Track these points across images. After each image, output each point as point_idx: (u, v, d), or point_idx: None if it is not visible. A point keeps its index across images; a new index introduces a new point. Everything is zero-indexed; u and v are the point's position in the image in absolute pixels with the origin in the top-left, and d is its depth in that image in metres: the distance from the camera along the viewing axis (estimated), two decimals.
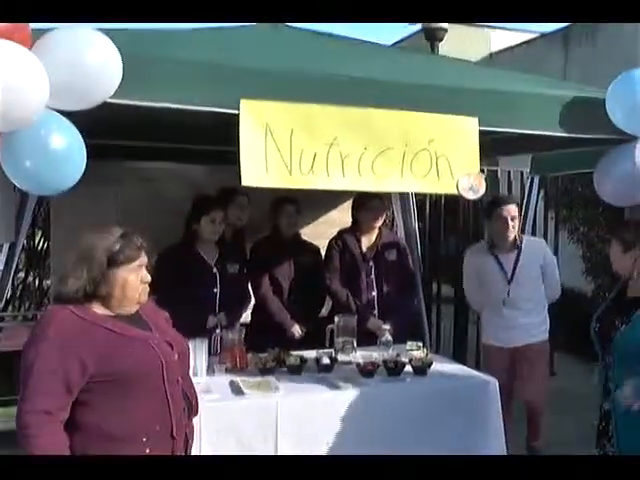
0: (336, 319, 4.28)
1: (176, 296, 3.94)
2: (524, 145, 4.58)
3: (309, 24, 4.13)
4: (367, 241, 4.87)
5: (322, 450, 3.45)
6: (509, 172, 7.36)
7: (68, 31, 2.67)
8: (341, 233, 4.93)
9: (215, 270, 4.40)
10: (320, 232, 5.33)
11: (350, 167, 3.25)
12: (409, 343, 4.24)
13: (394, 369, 3.84)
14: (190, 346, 2.81)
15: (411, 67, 3.91)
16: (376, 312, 4.73)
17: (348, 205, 5.10)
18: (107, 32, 2.71)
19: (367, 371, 3.81)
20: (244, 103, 3.01)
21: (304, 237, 5.09)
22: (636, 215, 3.90)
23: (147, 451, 2.42)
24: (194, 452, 2.76)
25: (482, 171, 3.71)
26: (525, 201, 5.72)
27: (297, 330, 4.72)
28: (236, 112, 3.00)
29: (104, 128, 3.48)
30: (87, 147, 2.76)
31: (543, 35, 12.36)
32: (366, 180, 3.31)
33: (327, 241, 4.94)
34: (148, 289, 2.56)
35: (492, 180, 6.90)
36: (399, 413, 3.61)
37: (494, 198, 4.90)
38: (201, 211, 4.32)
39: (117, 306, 2.48)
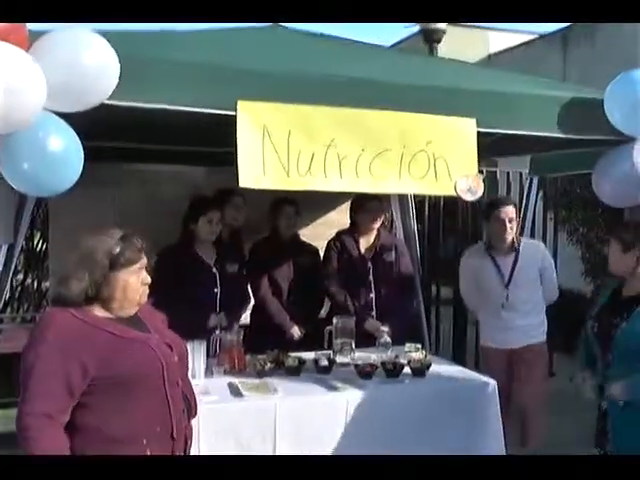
0: (334, 320, 4.28)
1: (176, 297, 3.96)
2: (523, 146, 4.57)
3: (308, 24, 4.14)
4: (365, 242, 4.87)
5: (321, 451, 3.44)
6: (508, 173, 7.36)
7: (65, 33, 2.67)
8: (339, 234, 4.93)
9: (214, 270, 4.41)
10: (319, 233, 5.33)
11: (348, 168, 3.25)
12: (408, 345, 4.23)
13: (393, 371, 3.83)
14: (188, 348, 2.81)
15: (409, 68, 3.91)
16: (374, 313, 4.73)
17: (347, 206, 5.10)
18: (104, 34, 2.71)
19: (365, 373, 3.80)
20: (241, 104, 3.01)
21: (303, 238, 5.09)
22: (636, 216, 3.91)
23: (147, 452, 2.41)
24: (192, 454, 2.75)
25: (481, 172, 3.71)
26: (524, 202, 5.70)
27: (296, 331, 4.72)
28: (233, 113, 3.00)
29: (101, 130, 3.48)
30: (84, 149, 2.76)
31: (542, 36, 12.36)
32: (364, 181, 3.31)
33: (326, 242, 4.94)
34: (148, 291, 2.56)
35: (491, 181, 6.90)
36: (398, 415, 3.61)
37: (492, 200, 4.89)
38: (199, 212, 4.33)
39: (117, 308, 2.48)
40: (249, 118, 3.03)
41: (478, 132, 3.46)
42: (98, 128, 3.22)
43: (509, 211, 4.53)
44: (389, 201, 5.65)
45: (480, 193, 3.56)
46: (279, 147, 3.10)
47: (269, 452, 3.36)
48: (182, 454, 2.58)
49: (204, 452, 3.18)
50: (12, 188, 2.79)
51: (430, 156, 3.39)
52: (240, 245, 4.96)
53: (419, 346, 4.29)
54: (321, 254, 4.98)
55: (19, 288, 7.67)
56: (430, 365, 3.92)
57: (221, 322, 4.33)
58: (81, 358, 2.31)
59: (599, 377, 3.29)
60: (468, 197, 3.53)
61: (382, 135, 3.31)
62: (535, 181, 5.74)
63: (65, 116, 2.70)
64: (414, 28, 9.83)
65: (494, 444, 3.74)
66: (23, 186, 2.77)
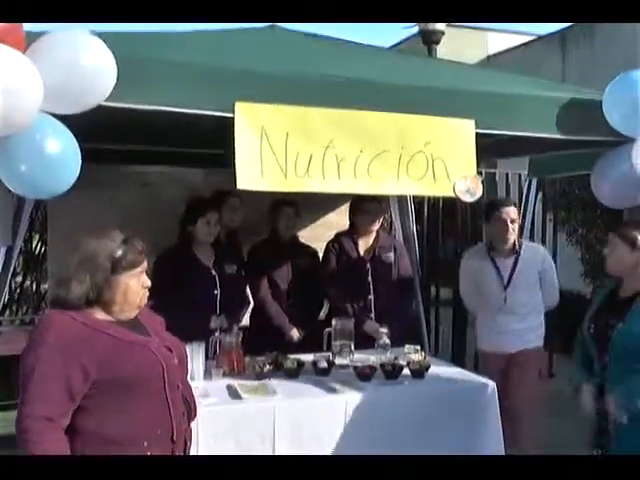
0: (334, 322, 4.27)
1: (175, 299, 3.95)
2: (522, 147, 4.56)
3: (307, 25, 4.13)
4: (364, 244, 4.86)
5: (320, 453, 3.42)
6: (507, 174, 7.36)
7: (62, 34, 2.67)
8: (338, 236, 4.92)
9: (214, 272, 4.40)
10: (318, 235, 5.32)
11: (346, 170, 3.24)
12: (407, 346, 4.22)
13: (392, 372, 3.82)
14: (187, 350, 2.81)
15: (408, 69, 3.91)
16: (373, 315, 4.71)
17: (346, 208, 5.09)
18: (101, 35, 2.70)
19: (365, 374, 3.79)
20: (239, 106, 3.01)
21: (302, 240, 5.08)
22: (635, 216, 3.89)
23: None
24: None
25: (480, 173, 3.71)
26: (523, 203, 5.70)
27: (296, 333, 4.71)
28: (231, 115, 3.00)
29: (99, 132, 3.47)
30: (82, 151, 2.76)
31: (541, 37, 12.37)
32: (362, 183, 3.31)
33: (325, 244, 4.93)
34: (148, 294, 2.55)
35: (490, 182, 6.91)
36: (397, 416, 3.60)
37: (493, 200, 4.87)
38: (197, 213, 4.32)
39: (118, 311, 2.47)
40: (247, 120, 3.02)
41: (477, 133, 3.46)
42: (96, 130, 3.22)
43: (511, 211, 4.50)
44: (388, 202, 5.65)
45: (479, 194, 3.55)
46: (277, 149, 3.09)
47: (268, 454, 3.35)
48: None
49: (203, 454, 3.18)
50: (10, 190, 2.79)
51: (428, 157, 3.38)
52: (238, 246, 4.96)
53: (418, 348, 4.28)
54: (320, 256, 4.97)
55: (18, 290, 7.67)
56: (429, 367, 3.91)
57: (222, 324, 4.32)
58: (82, 361, 2.30)
59: (596, 379, 3.29)
60: (467, 198, 3.52)
61: (380, 136, 3.30)
62: (534, 182, 5.74)
63: (62, 118, 2.70)
64: (413, 29, 9.84)
65: (494, 445, 3.72)
66: (20, 188, 2.76)
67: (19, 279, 7.63)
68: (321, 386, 3.69)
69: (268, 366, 3.82)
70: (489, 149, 4.12)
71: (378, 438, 3.51)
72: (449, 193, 3.50)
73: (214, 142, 3.92)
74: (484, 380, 3.89)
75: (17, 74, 2.46)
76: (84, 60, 2.62)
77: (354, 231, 4.89)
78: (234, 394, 3.51)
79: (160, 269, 3.94)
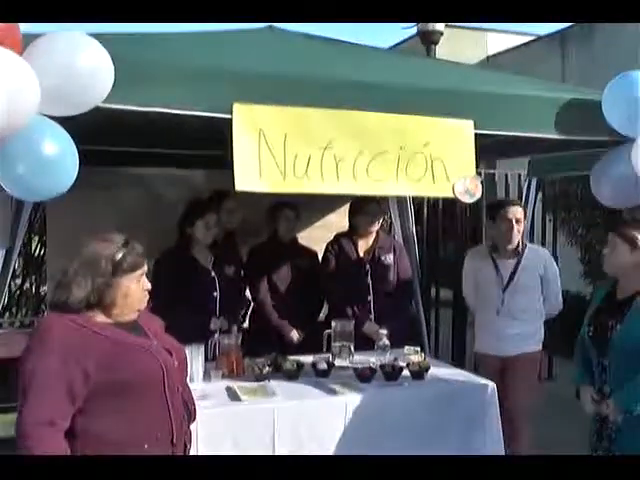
0: (333, 324, 4.27)
1: (175, 301, 3.94)
2: (521, 148, 4.56)
3: (306, 26, 4.13)
4: (364, 245, 4.86)
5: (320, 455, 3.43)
6: (506, 175, 7.36)
7: (59, 36, 2.66)
8: (338, 237, 4.92)
9: (213, 274, 4.39)
10: (317, 236, 5.31)
11: (345, 171, 3.23)
12: (407, 347, 4.22)
13: (392, 373, 3.81)
14: (187, 352, 2.80)
15: (406, 70, 3.90)
16: (373, 316, 4.70)
17: (345, 209, 5.09)
18: (98, 36, 2.70)
19: (364, 376, 3.79)
20: (237, 107, 3.00)
21: (301, 241, 5.07)
22: (635, 217, 3.89)
23: None
24: None
25: (479, 174, 3.70)
26: (523, 204, 5.69)
27: (295, 335, 4.71)
28: (229, 116, 2.99)
29: (96, 133, 3.46)
30: (80, 153, 2.75)
31: (540, 37, 12.36)
32: (361, 184, 3.30)
33: (324, 245, 4.93)
34: (148, 296, 2.55)
35: (489, 183, 6.90)
36: (397, 418, 3.59)
37: (498, 200, 4.85)
38: (196, 215, 4.32)
39: (118, 314, 2.47)
40: (245, 121, 3.02)
41: (476, 134, 3.45)
42: (93, 132, 3.21)
43: (516, 211, 4.47)
44: (387, 203, 5.64)
45: (478, 195, 3.54)
46: (275, 150, 3.09)
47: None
48: None
49: None
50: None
51: (427, 158, 3.37)
52: (236, 247, 4.95)
53: (418, 349, 4.28)
54: (320, 257, 4.97)
55: (17, 292, 7.67)
56: (429, 368, 3.91)
57: (222, 326, 4.32)
58: (82, 364, 2.29)
59: (596, 380, 3.28)
60: (466, 199, 3.51)
61: (379, 137, 3.29)
62: (534, 182, 5.74)
63: (60, 120, 2.69)
64: (412, 30, 9.83)
65: (494, 446, 3.72)
66: (17, 191, 2.75)
67: (18, 281, 7.61)
68: (321, 387, 3.68)
69: (267, 368, 3.81)
70: (488, 149, 4.11)
71: (378, 439, 3.51)
72: (448, 194, 3.49)
73: (213, 144, 3.91)
74: (484, 381, 3.88)
75: (14, 76, 2.45)
76: (81, 62, 2.61)
77: (353, 232, 4.88)
78: (233, 396, 3.50)
79: (159, 271, 3.96)
